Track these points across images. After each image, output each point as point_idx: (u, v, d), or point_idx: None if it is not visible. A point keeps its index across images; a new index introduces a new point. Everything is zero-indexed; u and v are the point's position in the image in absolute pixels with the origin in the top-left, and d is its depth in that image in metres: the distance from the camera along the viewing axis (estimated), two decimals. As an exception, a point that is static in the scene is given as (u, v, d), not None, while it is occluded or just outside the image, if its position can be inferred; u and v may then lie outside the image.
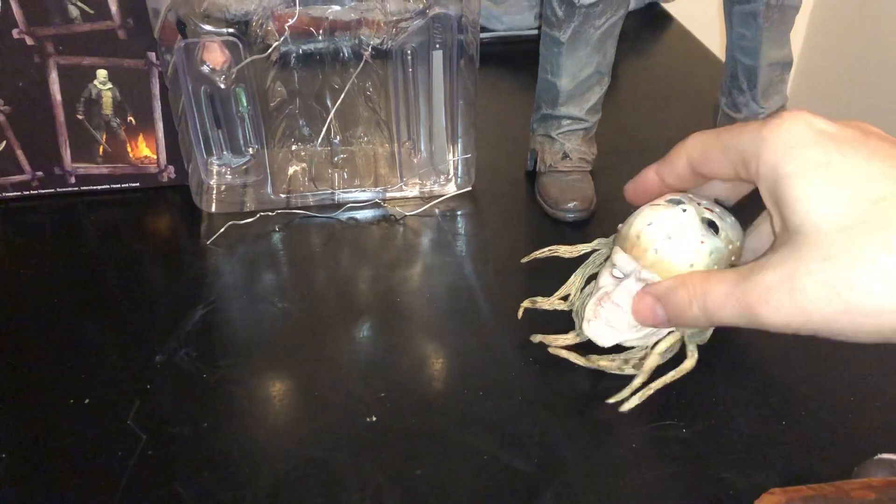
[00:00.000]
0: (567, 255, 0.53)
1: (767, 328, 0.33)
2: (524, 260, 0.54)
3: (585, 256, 0.52)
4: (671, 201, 0.42)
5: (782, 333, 0.33)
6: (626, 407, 0.46)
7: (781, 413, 0.47)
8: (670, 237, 0.42)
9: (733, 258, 0.42)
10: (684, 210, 0.42)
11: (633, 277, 0.45)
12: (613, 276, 0.47)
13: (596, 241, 0.52)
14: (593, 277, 0.50)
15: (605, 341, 0.47)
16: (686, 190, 0.43)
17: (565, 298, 0.52)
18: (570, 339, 0.49)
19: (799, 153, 0.31)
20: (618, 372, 0.48)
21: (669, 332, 0.45)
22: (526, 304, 0.53)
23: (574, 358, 0.48)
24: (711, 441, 0.45)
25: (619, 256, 0.45)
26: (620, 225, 0.46)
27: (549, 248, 0.53)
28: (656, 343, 0.46)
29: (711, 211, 0.43)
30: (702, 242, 0.41)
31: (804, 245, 0.31)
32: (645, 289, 0.42)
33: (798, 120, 0.32)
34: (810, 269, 0.30)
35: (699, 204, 0.43)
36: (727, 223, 0.43)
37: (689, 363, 0.45)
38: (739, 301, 0.33)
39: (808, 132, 0.31)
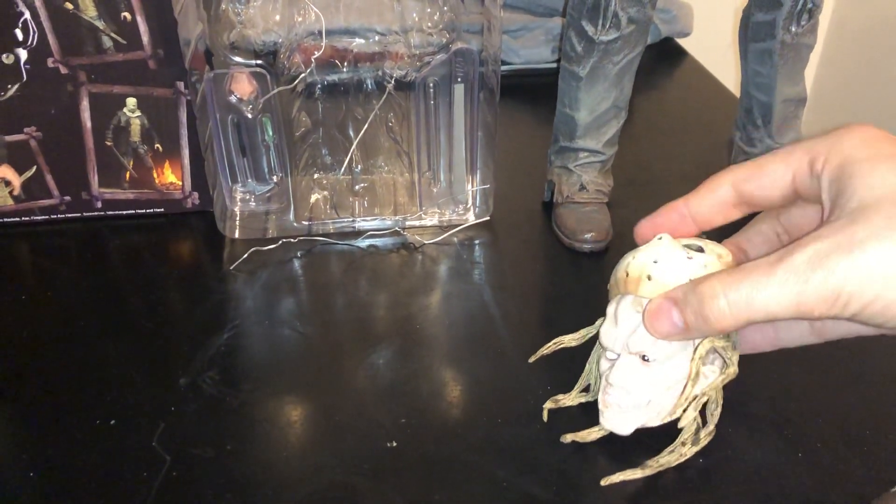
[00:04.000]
0: (574, 343, 0.51)
1: (819, 305, 0.31)
2: (532, 360, 0.52)
3: (593, 340, 0.50)
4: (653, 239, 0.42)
5: (822, 317, 0.32)
6: (702, 443, 0.45)
7: (797, 444, 0.47)
8: (657, 261, 0.41)
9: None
10: (660, 238, 0.41)
11: (624, 354, 0.45)
12: (608, 359, 0.47)
13: (599, 321, 0.50)
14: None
15: (624, 429, 0.46)
16: (714, 228, 0.42)
17: (587, 389, 0.51)
18: (601, 431, 0.47)
19: (873, 144, 0.33)
20: (684, 455, 0.45)
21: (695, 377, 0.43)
22: (549, 405, 0.51)
23: (632, 475, 0.46)
24: (728, 471, 0.46)
25: (603, 333, 0.45)
26: (609, 285, 0.46)
27: (554, 341, 0.51)
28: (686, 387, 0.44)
29: (689, 237, 0.42)
30: (689, 258, 0.40)
31: (869, 211, 0.30)
32: (660, 294, 0.40)
33: (866, 125, 0.34)
34: (875, 226, 0.30)
35: (677, 240, 0.42)
36: (709, 242, 0.42)
37: (732, 369, 0.43)
38: (785, 274, 0.31)
39: (878, 132, 0.34)
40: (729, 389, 0.51)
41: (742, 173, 0.38)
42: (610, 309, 0.48)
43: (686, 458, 0.45)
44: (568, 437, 0.48)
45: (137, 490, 0.45)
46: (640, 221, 0.43)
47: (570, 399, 0.50)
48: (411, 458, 0.47)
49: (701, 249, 0.41)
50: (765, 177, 0.37)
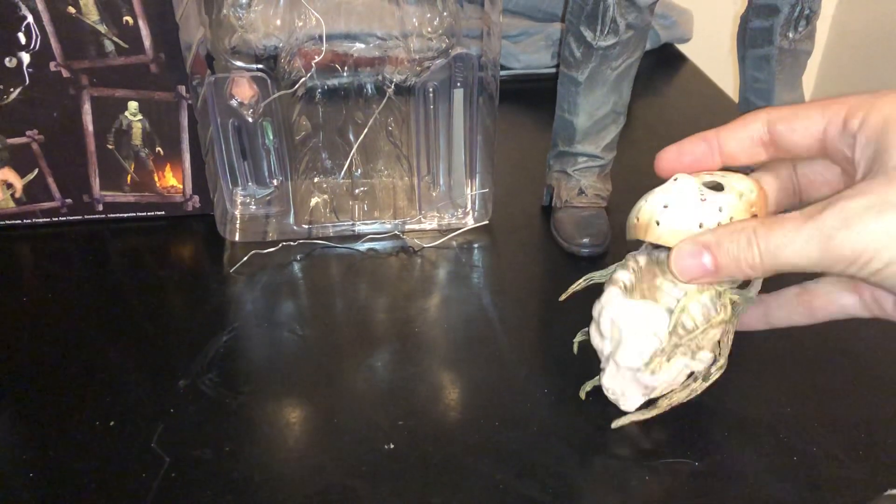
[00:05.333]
0: (602, 279, 0.50)
1: (839, 262, 0.32)
2: (563, 298, 0.51)
3: None
4: (671, 179, 0.41)
5: (841, 274, 0.32)
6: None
7: (792, 448, 0.48)
8: (667, 205, 0.40)
9: (754, 209, 0.39)
10: (676, 179, 0.40)
11: (611, 362, 0.45)
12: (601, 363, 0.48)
13: (628, 256, 0.49)
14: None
15: (630, 405, 0.47)
16: (738, 168, 0.40)
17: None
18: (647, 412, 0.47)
19: None
20: (695, 391, 0.46)
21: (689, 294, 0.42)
22: (580, 338, 0.51)
23: (642, 416, 0.47)
24: (722, 475, 0.46)
25: (591, 335, 0.47)
26: (626, 228, 0.44)
27: (585, 277, 0.51)
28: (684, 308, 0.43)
29: (712, 174, 0.40)
30: (703, 199, 0.39)
31: None
32: (688, 238, 0.39)
33: None
34: None
35: (699, 174, 0.40)
36: (733, 178, 0.40)
37: (722, 315, 0.42)
38: (812, 230, 0.32)
39: None
40: (724, 393, 0.51)
41: (778, 113, 0.37)
42: (595, 312, 0.48)
43: (697, 393, 0.45)
44: (618, 423, 0.48)
45: (136, 491, 0.45)
46: (664, 148, 0.42)
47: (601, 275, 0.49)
48: (409, 461, 0.47)
49: (719, 187, 0.40)
50: (799, 121, 0.36)
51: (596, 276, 0.49)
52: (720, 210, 0.39)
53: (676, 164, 0.41)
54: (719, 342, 0.44)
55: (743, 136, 0.38)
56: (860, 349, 0.56)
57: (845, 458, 0.47)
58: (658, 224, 0.40)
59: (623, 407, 0.47)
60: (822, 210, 0.32)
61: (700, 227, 0.39)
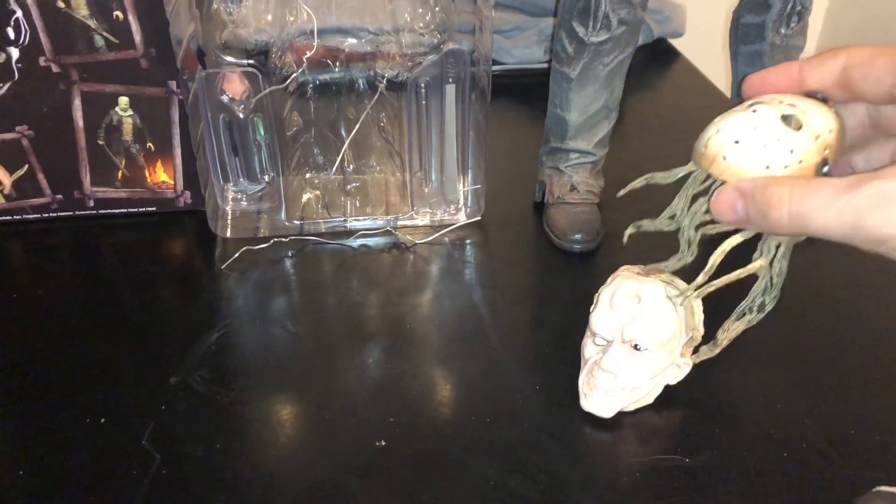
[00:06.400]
0: (664, 181, 0.48)
1: (867, 241, 0.31)
2: (620, 194, 0.49)
3: (683, 180, 0.49)
4: (749, 105, 0.37)
5: (868, 251, 0.31)
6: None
7: (782, 444, 0.48)
8: (738, 141, 0.37)
9: (827, 151, 0.37)
10: (755, 111, 0.36)
11: (617, 342, 0.46)
12: (596, 343, 0.49)
13: (691, 164, 0.48)
14: (699, 195, 0.46)
15: (606, 412, 0.48)
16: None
17: (672, 218, 0.50)
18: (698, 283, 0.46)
19: None
20: (751, 322, 0.43)
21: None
22: (630, 230, 0.50)
23: (707, 354, 0.44)
24: (713, 471, 0.46)
25: (596, 318, 0.47)
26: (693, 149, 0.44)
27: (646, 176, 0.48)
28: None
29: (794, 106, 0.37)
30: (778, 140, 0.36)
31: None
32: (731, 184, 0.37)
33: None
34: None
35: (781, 102, 0.37)
36: (814, 114, 0.37)
37: (760, 262, 0.41)
38: (846, 205, 0.31)
39: None
40: (714, 389, 0.51)
41: (858, 57, 0.35)
42: (605, 295, 0.49)
43: (752, 324, 0.43)
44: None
45: (127, 488, 0.45)
46: (750, 75, 0.38)
47: (654, 226, 0.48)
48: (400, 457, 0.47)
49: (797, 124, 0.36)
50: (873, 70, 0.34)
51: (657, 177, 0.47)
52: (791, 152, 0.36)
53: (764, 90, 0.38)
54: (771, 279, 0.43)
55: (822, 75, 0.36)
56: (850, 346, 0.56)
57: (835, 455, 0.47)
58: (724, 159, 0.38)
59: (596, 407, 0.48)
60: (860, 185, 0.31)
61: (766, 169, 0.36)
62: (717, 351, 0.43)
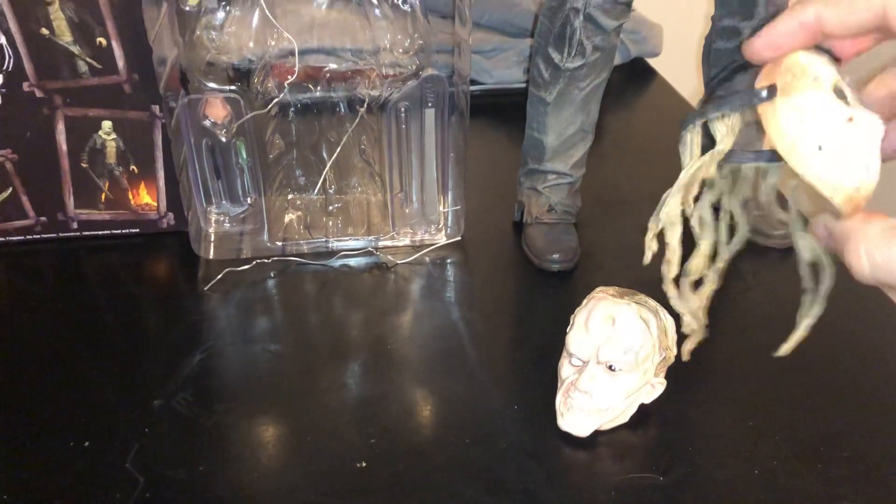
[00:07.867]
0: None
1: None
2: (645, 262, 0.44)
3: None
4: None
5: None
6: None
7: (754, 461, 0.49)
8: (821, 147, 0.30)
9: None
10: (821, 85, 0.29)
11: (592, 363, 0.48)
12: (573, 364, 0.50)
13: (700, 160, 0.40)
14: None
15: (582, 431, 0.50)
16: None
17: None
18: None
19: None
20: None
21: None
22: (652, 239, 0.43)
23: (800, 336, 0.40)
24: (687, 489, 0.47)
25: (572, 340, 0.49)
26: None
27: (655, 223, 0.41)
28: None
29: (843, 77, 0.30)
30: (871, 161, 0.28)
31: None
32: (822, 221, 0.33)
33: None
34: None
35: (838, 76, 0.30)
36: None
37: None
38: None
39: None
40: (688, 407, 0.52)
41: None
42: (580, 317, 0.51)
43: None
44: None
45: (111, 512, 0.46)
46: (753, 38, 0.30)
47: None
48: (381, 479, 0.48)
49: (844, 95, 0.29)
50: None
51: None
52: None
53: (776, 51, 0.28)
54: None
55: (858, 20, 0.27)
56: (819, 365, 0.57)
57: (804, 471, 0.48)
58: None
59: (572, 427, 0.49)
60: None
61: (819, 150, 0.29)
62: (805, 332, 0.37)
